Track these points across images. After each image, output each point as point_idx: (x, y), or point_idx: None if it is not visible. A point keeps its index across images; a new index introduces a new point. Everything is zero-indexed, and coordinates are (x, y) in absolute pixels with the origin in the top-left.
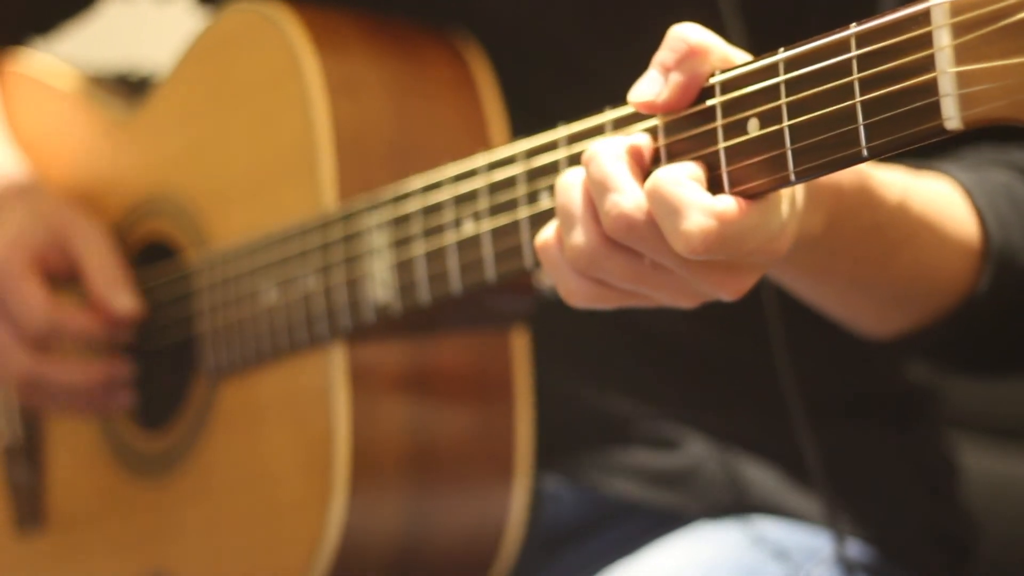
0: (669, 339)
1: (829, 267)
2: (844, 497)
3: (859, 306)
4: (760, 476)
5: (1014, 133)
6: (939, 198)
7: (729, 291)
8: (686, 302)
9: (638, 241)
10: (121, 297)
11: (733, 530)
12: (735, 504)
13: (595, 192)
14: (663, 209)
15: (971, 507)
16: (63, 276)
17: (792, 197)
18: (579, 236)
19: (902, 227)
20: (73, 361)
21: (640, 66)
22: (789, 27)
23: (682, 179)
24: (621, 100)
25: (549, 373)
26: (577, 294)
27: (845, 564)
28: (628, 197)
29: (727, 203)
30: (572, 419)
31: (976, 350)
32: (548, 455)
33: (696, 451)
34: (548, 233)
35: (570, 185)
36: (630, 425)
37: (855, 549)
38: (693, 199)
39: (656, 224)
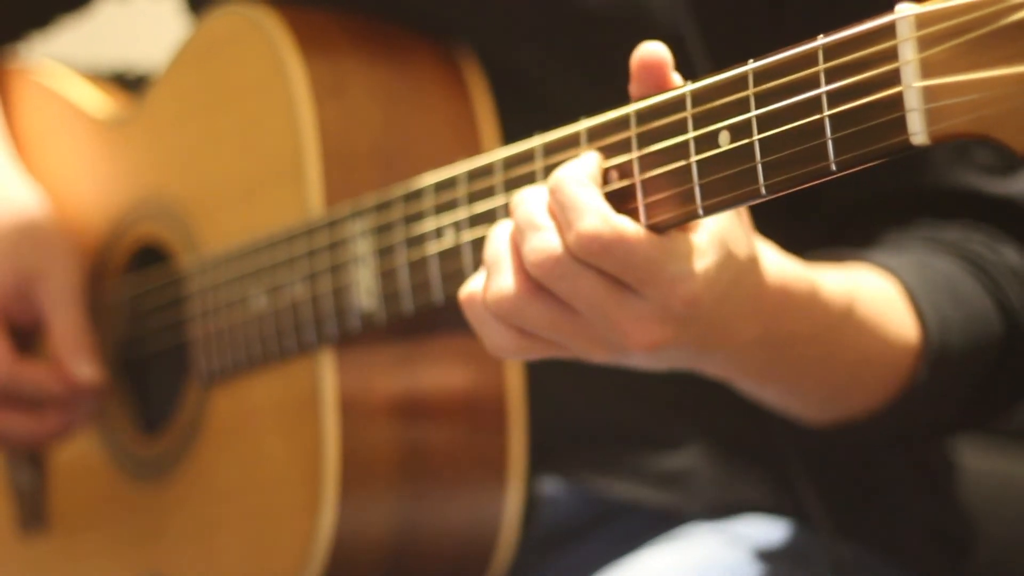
0: None
1: (767, 370)
2: (844, 497)
3: (798, 403)
4: (756, 476)
5: (955, 206)
6: (880, 304)
7: (635, 339)
8: (597, 353)
9: (557, 279)
10: (84, 366)
11: (730, 531)
12: (732, 504)
13: (519, 236)
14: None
15: (971, 507)
16: (28, 326)
17: (716, 254)
18: (503, 282)
19: (841, 336)
20: (27, 415)
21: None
22: (753, 51)
23: (583, 180)
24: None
25: (546, 374)
26: (502, 347)
27: (842, 564)
28: (550, 234)
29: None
30: (569, 420)
31: (915, 431)
32: (545, 456)
33: (693, 452)
34: (474, 286)
35: (497, 235)
36: (627, 426)
37: (853, 549)
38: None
39: (576, 260)
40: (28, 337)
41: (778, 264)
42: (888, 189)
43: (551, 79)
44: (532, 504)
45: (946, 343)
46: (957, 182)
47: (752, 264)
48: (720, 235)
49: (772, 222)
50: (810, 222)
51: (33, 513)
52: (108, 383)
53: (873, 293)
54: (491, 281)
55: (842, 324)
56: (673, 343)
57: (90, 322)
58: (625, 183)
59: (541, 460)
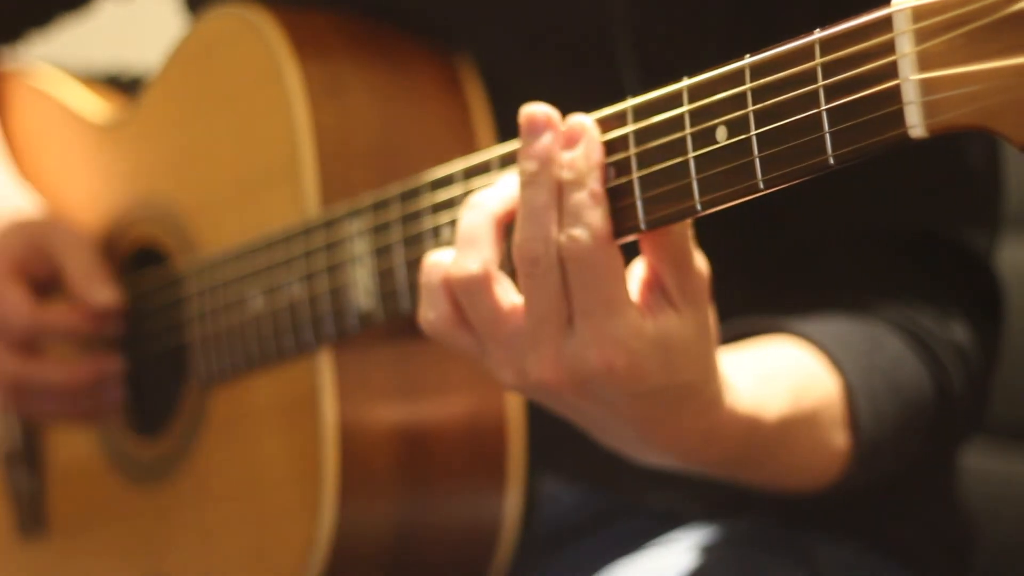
0: None
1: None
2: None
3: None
4: None
5: (919, 250)
6: (816, 419)
7: (537, 367)
8: (505, 372)
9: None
10: (99, 289)
11: (733, 529)
12: (732, 504)
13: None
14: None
15: (971, 507)
16: (47, 282)
17: (656, 345)
18: (474, 263)
19: (770, 458)
20: (60, 361)
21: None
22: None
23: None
24: None
25: None
26: (433, 324)
27: (843, 563)
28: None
29: None
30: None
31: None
32: (546, 455)
33: None
34: (440, 257)
35: (479, 204)
36: None
37: (853, 549)
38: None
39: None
40: (54, 293)
41: (733, 396)
42: (856, 225)
43: (545, 90)
44: (533, 503)
45: (876, 441)
46: (923, 225)
47: (701, 383)
48: (671, 338)
49: (735, 248)
50: (774, 249)
51: (32, 517)
52: (118, 379)
53: (812, 407)
54: (462, 254)
55: (775, 447)
56: (570, 392)
57: (103, 259)
58: (623, 180)
59: (542, 459)
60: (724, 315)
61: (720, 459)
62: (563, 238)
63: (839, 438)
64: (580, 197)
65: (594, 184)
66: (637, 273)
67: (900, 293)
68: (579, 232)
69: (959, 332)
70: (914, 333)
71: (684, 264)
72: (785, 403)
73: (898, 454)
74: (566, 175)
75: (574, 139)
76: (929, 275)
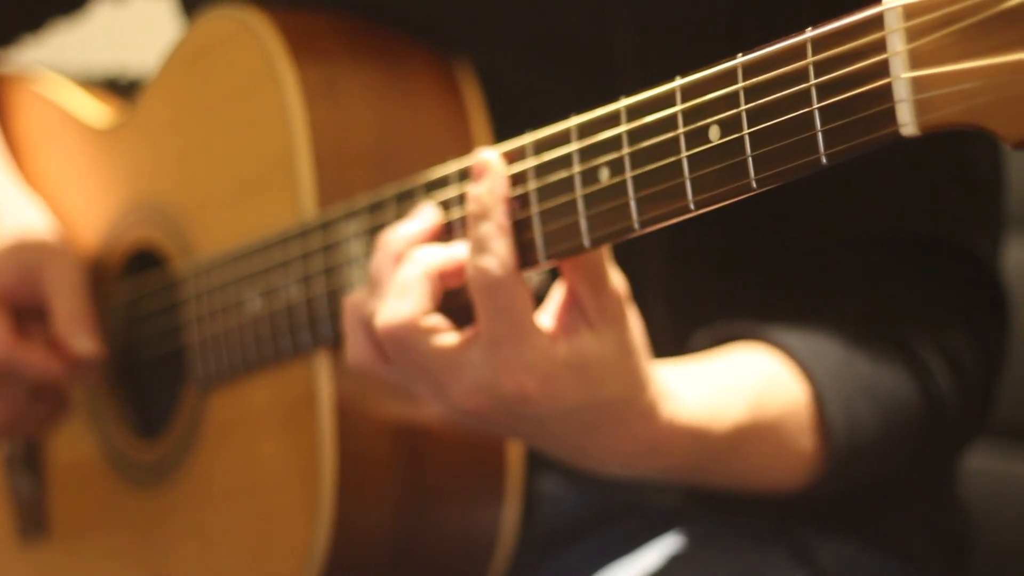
0: (667, 337)
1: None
2: (843, 496)
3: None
4: None
5: (922, 255)
6: (778, 427)
7: (456, 399)
8: (432, 403)
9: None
10: (82, 339)
11: (733, 529)
12: (732, 504)
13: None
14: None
15: (971, 506)
16: (33, 313)
17: (567, 369)
18: (404, 306)
19: (728, 464)
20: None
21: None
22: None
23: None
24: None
25: None
26: (359, 363)
27: (844, 562)
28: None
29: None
30: None
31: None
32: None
33: None
34: (361, 295)
35: (381, 252)
36: None
37: (853, 548)
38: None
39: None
40: (32, 325)
41: (673, 406)
42: (857, 230)
43: (542, 95)
44: (533, 502)
45: (854, 445)
46: (926, 230)
47: (628, 397)
48: (585, 358)
49: (735, 250)
50: (773, 252)
51: (33, 520)
52: (105, 387)
53: (775, 416)
54: (371, 299)
55: (730, 454)
56: (499, 416)
57: (91, 306)
58: (616, 179)
59: (542, 459)
60: (716, 317)
61: (667, 467)
62: (471, 269)
63: (806, 443)
64: (487, 229)
65: (499, 216)
66: (555, 296)
67: (892, 298)
68: (486, 262)
69: (953, 336)
70: (899, 337)
71: (600, 284)
72: (742, 412)
73: (882, 457)
74: (472, 208)
75: (478, 174)
76: (927, 279)
